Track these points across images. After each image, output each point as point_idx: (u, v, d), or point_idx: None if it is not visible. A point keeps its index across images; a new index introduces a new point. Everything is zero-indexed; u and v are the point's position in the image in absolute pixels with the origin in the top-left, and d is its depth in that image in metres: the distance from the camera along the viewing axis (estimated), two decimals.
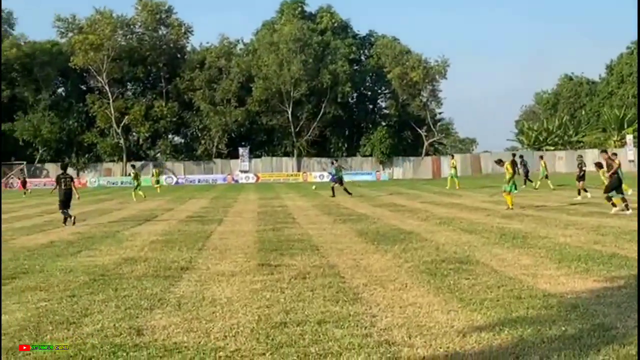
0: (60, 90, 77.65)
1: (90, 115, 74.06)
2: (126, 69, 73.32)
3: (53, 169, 73.91)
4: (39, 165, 74.18)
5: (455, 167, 41.19)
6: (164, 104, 73.74)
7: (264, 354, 5.82)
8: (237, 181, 70.17)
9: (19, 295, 8.64)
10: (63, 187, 20.55)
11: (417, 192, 37.74)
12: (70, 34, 73.03)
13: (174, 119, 74.52)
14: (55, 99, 74.69)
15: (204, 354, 5.85)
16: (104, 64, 70.39)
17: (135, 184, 37.56)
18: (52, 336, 6.44)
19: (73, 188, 20.95)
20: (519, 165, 31.09)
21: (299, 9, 79.27)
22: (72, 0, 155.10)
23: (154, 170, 40.69)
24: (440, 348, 5.90)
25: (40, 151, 73.63)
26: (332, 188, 33.28)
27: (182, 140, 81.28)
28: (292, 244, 13.52)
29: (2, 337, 6.43)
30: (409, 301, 7.77)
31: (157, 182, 48.05)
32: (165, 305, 7.77)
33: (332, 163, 38.79)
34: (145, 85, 78.80)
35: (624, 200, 19.52)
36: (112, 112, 72.01)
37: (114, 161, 75.07)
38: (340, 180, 33.44)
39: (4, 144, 71.97)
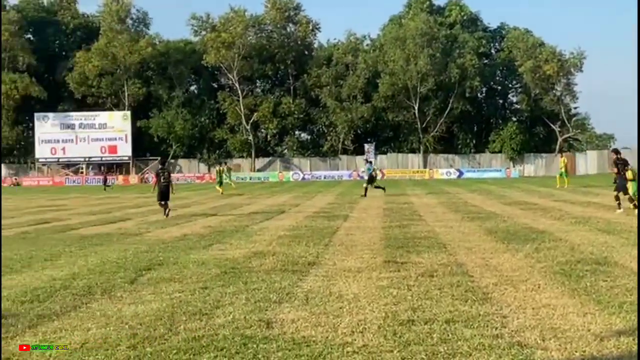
0: (192, 87, 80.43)
1: (221, 112, 76.25)
2: (256, 67, 75.00)
3: (185, 165, 76.91)
4: (172, 160, 77.08)
5: (565, 165, 39.93)
6: (291, 101, 74.95)
7: (391, 351, 5.82)
8: (362, 177, 70.26)
9: (154, 286, 9.01)
10: (162, 181, 21.93)
11: (549, 190, 36.59)
12: (203, 33, 75.38)
13: (301, 116, 75.59)
14: (188, 96, 77.42)
15: (331, 348, 5.92)
16: (234, 61, 72.27)
17: (219, 179, 39.29)
18: (186, 326, 6.68)
19: (170, 182, 22.34)
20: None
21: (427, 2, 78.58)
22: (204, 1, 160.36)
23: (220, 167, 41.47)
24: (576, 352, 5.71)
25: (173, 147, 76.49)
26: (375, 186, 32.55)
27: (309, 137, 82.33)
28: (418, 241, 13.43)
29: (140, 326, 6.74)
30: (542, 302, 7.56)
31: (228, 178, 47.30)
32: (294, 300, 7.91)
33: (367, 161, 38.42)
34: (273, 83, 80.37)
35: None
36: (242, 109, 73.84)
37: (242, 157, 76.95)
38: (371, 179, 32.72)
39: (140, 140, 75.44)
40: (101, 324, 6.83)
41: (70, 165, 75.42)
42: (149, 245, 13.74)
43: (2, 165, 76.89)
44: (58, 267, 10.88)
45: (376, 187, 32.67)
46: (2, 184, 63.14)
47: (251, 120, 74.49)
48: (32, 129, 75.24)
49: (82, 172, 74.70)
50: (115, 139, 73.86)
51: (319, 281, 9.16)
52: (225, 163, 55.86)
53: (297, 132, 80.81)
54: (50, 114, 74.60)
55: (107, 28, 73.97)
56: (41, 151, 74.29)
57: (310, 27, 77.99)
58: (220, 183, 38.83)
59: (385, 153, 76.93)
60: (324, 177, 70.80)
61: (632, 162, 22.41)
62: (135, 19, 76.90)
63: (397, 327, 6.53)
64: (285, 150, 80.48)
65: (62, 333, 6.51)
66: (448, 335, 6.23)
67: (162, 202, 21.71)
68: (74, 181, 71.73)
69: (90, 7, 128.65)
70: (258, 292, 8.34)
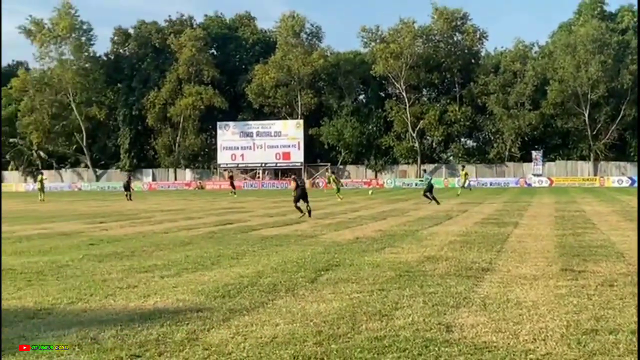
0: (361, 97, 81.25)
1: (387, 120, 76.47)
2: (422, 76, 74.60)
3: (354, 171, 77.81)
4: (341, 166, 78.24)
5: None
6: (457, 109, 73.90)
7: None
8: (529, 185, 68.18)
9: (334, 286, 9.13)
10: (298, 187, 24.46)
11: None
12: (372, 44, 75.98)
13: (467, 123, 74.33)
14: (356, 105, 78.29)
15: (514, 355, 5.73)
16: (402, 71, 72.32)
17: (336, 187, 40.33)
18: (367, 326, 6.70)
19: (305, 190, 24.65)
20: None
21: (598, 9, 74.86)
22: (373, 13, 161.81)
23: (331, 175, 41.87)
24: None
25: (342, 154, 77.60)
26: (426, 196, 31.54)
27: (475, 144, 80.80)
28: (594, 250, 12.77)
29: (323, 323, 6.83)
30: None
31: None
32: (471, 305, 7.74)
33: (425, 171, 37.88)
34: (439, 91, 79.61)
35: None
36: (409, 116, 73.70)
37: (408, 163, 76.81)
38: (430, 188, 31.88)
39: (312, 147, 77.13)
40: (288, 320, 6.99)
41: (248, 170, 78.39)
42: (325, 247, 13.96)
43: (187, 170, 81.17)
44: (244, 265, 11.29)
45: (432, 197, 31.35)
46: (182, 188, 66.50)
47: (417, 128, 74.19)
48: (215, 136, 78.87)
49: (258, 177, 77.44)
50: (289, 146, 75.95)
51: (494, 287, 8.92)
52: (333, 172, 56.45)
53: (462, 139, 79.61)
54: (231, 123, 77.90)
55: (283, 42, 76.24)
56: (222, 157, 77.75)
57: (477, 36, 76.58)
58: (338, 190, 39.89)
59: (553, 160, 74.08)
60: (490, 184, 69.18)
61: None
62: (309, 33, 78.79)
63: (580, 336, 6.22)
64: (451, 157, 79.49)
65: (253, 327, 6.72)
66: (635, 347, 5.86)
67: (297, 205, 23.97)
68: (251, 185, 74.49)
69: (268, 23, 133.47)
70: (435, 296, 8.23)
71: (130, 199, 41.84)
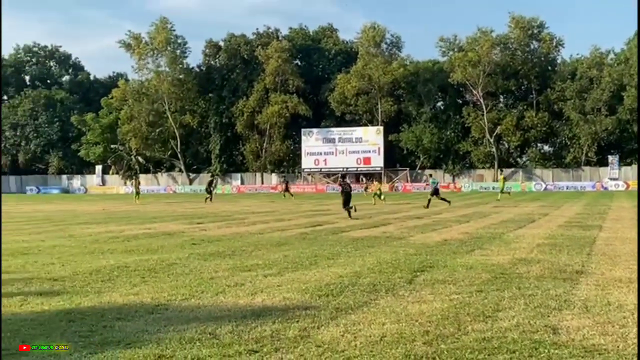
0: (439, 104, 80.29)
1: (465, 126, 75.42)
2: (500, 83, 73.24)
3: (433, 175, 76.91)
4: (419, 171, 77.58)
5: None
6: (534, 114, 72.19)
7: None
8: (605, 188, 65.95)
9: (431, 287, 8.97)
10: (344, 192, 26.01)
11: None
12: (450, 53, 75.11)
13: (544, 128, 72.52)
14: (434, 112, 77.44)
15: (625, 358, 5.48)
16: (479, 78, 71.23)
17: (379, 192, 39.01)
18: (473, 327, 6.53)
19: (350, 193, 26.06)
20: None
21: None
22: (452, 24, 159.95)
23: (375, 183, 41.30)
24: None
25: (421, 159, 76.99)
26: (429, 199, 32.00)
27: (551, 149, 78.75)
28: None
29: (429, 324, 6.71)
30: None
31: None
32: (572, 307, 7.46)
33: (430, 176, 39.55)
34: (516, 97, 77.90)
35: None
36: (486, 122, 72.49)
37: (485, 168, 75.56)
38: (436, 192, 32.78)
39: (391, 152, 76.78)
40: (393, 320, 6.89)
41: (331, 175, 78.56)
42: (415, 248, 13.78)
43: (274, 174, 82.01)
44: (341, 265, 11.24)
45: (441, 199, 32.75)
46: (268, 191, 67.16)
47: (494, 133, 72.85)
48: (299, 142, 79.38)
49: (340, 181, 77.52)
50: (370, 151, 75.77)
51: (592, 290, 8.59)
52: (374, 179, 55.36)
53: (539, 144, 77.75)
54: (314, 130, 78.27)
55: (364, 52, 76.18)
56: (306, 162, 78.21)
57: (554, 44, 74.61)
58: (380, 195, 38.76)
59: (629, 164, 71.45)
60: (567, 188, 67.29)
61: None
62: (389, 43, 78.50)
63: None
64: (527, 162, 77.77)
65: (361, 326, 6.65)
66: None
67: (345, 208, 25.10)
68: (333, 188, 74.51)
69: (350, 34, 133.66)
70: (535, 298, 7.97)
71: (210, 201, 42.12)
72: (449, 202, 32.90)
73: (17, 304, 8.05)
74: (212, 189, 45.69)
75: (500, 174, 47.07)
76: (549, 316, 7.00)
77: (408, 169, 77.15)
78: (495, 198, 42.26)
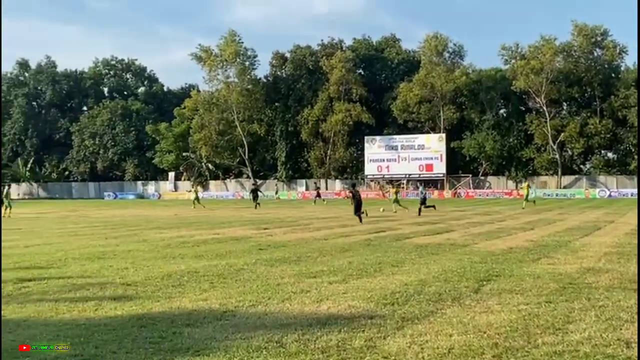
0: (502, 111, 78.71)
1: (528, 133, 73.77)
2: (563, 90, 71.36)
3: (494, 182, 75.64)
4: (482, 177, 76.29)
5: None
6: (598, 121, 69.99)
7: None
8: None
9: (498, 296, 8.63)
10: (355, 199, 26.35)
11: None
12: (512, 61, 73.65)
13: (608, 135, 70.25)
14: (497, 119, 75.95)
15: None
16: (542, 86, 69.55)
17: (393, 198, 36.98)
18: (543, 340, 6.21)
19: (360, 200, 26.41)
20: None
21: None
22: (514, 32, 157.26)
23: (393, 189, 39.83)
24: None
25: (483, 165, 75.70)
26: (420, 208, 32.30)
27: (615, 156, 76.18)
28: None
29: (497, 335, 6.40)
30: None
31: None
32: None
33: (422, 184, 37.46)
34: (579, 104, 75.72)
35: None
36: (549, 129, 70.69)
37: (548, 174, 73.73)
38: (423, 201, 33.65)
39: (453, 159, 75.75)
40: (461, 331, 6.61)
41: (393, 181, 77.96)
42: (480, 256, 13.39)
43: (337, 181, 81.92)
44: (405, 273, 10.98)
45: (427, 206, 33.51)
46: (332, 197, 66.97)
47: (558, 140, 70.99)
48: (362, 150, 79.09)
49: (403, 187, 76.85)
50: (432, 158, 74.90)
51: None
52: (398, 185, 53.11)
53: (603, 151, 75.33)
54: (377, 137, 77.87)
55: (426, 61, 75.43)
56: (369, 169, 77.87)
57: (617, 51, 72.24)
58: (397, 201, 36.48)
59: None
60: (631, 195, 64.89)
61: None
62: (452, 52, 77.45)
63: None
64: (591, 169, 75.47)
65: (427, 337, 6.40)
66: None
67: (356, 214, 25.68)
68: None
69: (412, 44, 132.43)
70: (606, 310, 7.57)
71: (255, 209, 41.70)
72: (433, 206, 34.71)
73: (92, 308, 8.09)
74: (256, 197, 45.26)
75: (525, 182, 45.27)
76: (621, 329, 6.61)
77: (470, 175, 75.93)
78: (520, 206, 40.52)
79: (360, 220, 25.05)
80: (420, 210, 32.02)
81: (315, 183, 73.46)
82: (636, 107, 67.96)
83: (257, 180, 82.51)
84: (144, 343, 6.31)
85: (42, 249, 15.78)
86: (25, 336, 6.64)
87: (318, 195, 54.85)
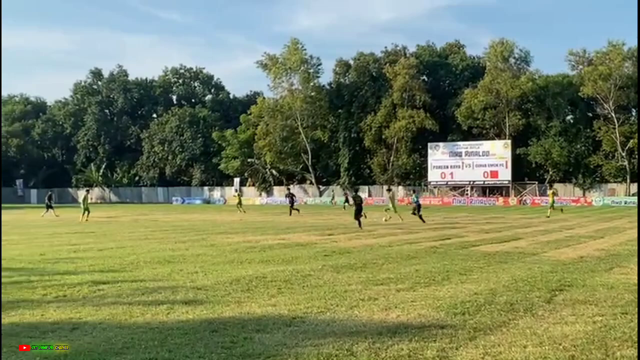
0: (568, 117, 76.68)
1: (596, 139, 71.70)
2: (632, 96, 69.02)
3: (561, 189, 73.57)
4: (548, 185, 74.50)
5: None
6: None
7: None
8: None
9: (572, 307, 8.36)
10: (356, 204, 27.30)
11: None
12: (580, 67, 71.81)
13: None
14: (564, 125, 74.01)
15: None
16: (611, 92, 67.51)
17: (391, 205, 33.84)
18: (622, 353, 5.96)
19: (361, 206, 27.31)
20: None
21: None
22: (581, 38, 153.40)
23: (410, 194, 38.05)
24: None
25: (550, 172, 73.91)
26: (415, 214, 31.58)
27: None
28: None
29: (573, 348, 6.17)
30: None
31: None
32: None
33: (414, 191, 38.61)
34: None
35: None
36: (617, 136, 68.54)
37: (618, 182, 71.44)
38: (418, 207, 32.08)
39: (519, 166, 74.24)
40: (535, 343, 6.41)
41: (457, 188, 76.95)
42: (551, 265, 13.01)
43: (400, 187, 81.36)
44: (474, 281, 10.75)
45: (418, 214, 31.61)
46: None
47: (627, 147, 68.73)
48: (426, 156, 78.24)
49: (466, 194, 75.75)
50: (497, 165, 73.53)
51: None
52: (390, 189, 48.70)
53: None
54: (441, 144, 76.95)
55: (492, 67, 74.18)
56: (433, 175, 76.99)
57: None
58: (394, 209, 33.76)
59: None
60: None
61: None
62: (518, 57, 75.89)
63: None
64: None
65: (501, 348, 6.23)
66: None
67: (356, 218, 26.35)
68: (459, 201, 72.98)
69: (477, 50, 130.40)
70: None
71: (289, 214, 41.06)
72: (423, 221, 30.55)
73: (164, 312, 8.20)
74: (292, 202, 45.00)
75: (550, 189, 43.41)
76: None
77: (536, 182, 74.21)
78: (545, 215, 39.00)
79: (360, 225, 26.01)
80: (421, 217, 30.91)
81: (344, 189, 72.79)
82: None
83: (320, 186, 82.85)
84: (216, 348, 6.34)
85: (115, 252, 16.13)
86: (102, 339, 6.76)
87: (347, 200, 54.66)
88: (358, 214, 26.75)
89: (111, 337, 6.85)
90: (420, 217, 31.14)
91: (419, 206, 32.52)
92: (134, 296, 9.48)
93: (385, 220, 31.99)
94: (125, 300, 9.15)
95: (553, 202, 40.56)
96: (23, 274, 12.11)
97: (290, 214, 41.53)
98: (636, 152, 70.06)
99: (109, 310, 8.34)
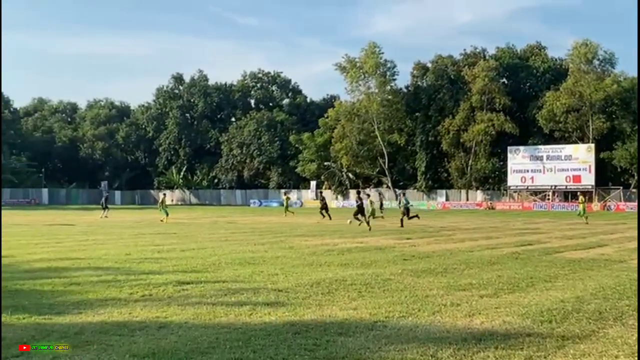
0: None
1: None
2: None
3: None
4: (634, 190, 71.70)
5: None
6: None
7: None
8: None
9: None
10: (357, 203, 29.50)
11: None
12: None
13: None
14: None
15: None
16: None
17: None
18: None
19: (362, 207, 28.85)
20: None
21: None
22: None
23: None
24: None
25: (635, 177, 71.11)
26: (410, 218, 31.69)
27: None
28: None
29: None
30: None
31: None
32: None
33: (403, 194, 36.51)
34: None
35: None
36: None
37: None
38: (407, 211, 31.67)
39: (603, 170, 71.80)
40: (627, 353, 6.20)
41: (538, 192, 75.10)
42: None
43: (479, 191, 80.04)
44: (559, 288, 10.46)
45: (410, 217, 32.05)
46: (473, 208, 65.32)
47: None
48: (505, 160, 76.69)
49: (548, 199, 73.82)
50: (579, 169, 71.35)
51: None
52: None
53: None
54: (521, 147, 75.24)
55: (575, 69, 72.05)
56: (512, 179, 75.33)
57: None
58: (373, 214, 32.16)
59: None
60: None
61: None
62: (602, 59, 73.45)
63: None
64: None
65: (591, 358, 6.06)
66: None
67: (355, 218, 28.20)
68: (540, 206, 71.14)
69: (559, 52, 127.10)
70: None
71: (324, 217, 38.59)
72: (416, 216, 33.90)
73: (247, 313, 8.32)
74: (324, 207, 42.22)
75: (581, 196, 40.94)
76: None
77: (621, 187, 71.55)
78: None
79: (350, 222, 28.79)
80: (402, 221, 30.49)
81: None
82: None
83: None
84: (299, 350, 6.39)
85: (197, 253, 16.50)
86: (187, 338, 6.92)
87: (381, 205, 53.94)
88: (357, 214, 28.92)
89: (197, 336, 7.00)
90: (402, 221, 30.70)
91: (407, 210, 32.14)
92: (217, 297, 9.66)
93: (359, 224, 29.46)
94: (208, 300, 9.33)
95: (583, 210, 38.67)
96: (110, 273, 12.55)
97: (322, 218, 38.85)
98: None
99: (194, 310, 8.52)
